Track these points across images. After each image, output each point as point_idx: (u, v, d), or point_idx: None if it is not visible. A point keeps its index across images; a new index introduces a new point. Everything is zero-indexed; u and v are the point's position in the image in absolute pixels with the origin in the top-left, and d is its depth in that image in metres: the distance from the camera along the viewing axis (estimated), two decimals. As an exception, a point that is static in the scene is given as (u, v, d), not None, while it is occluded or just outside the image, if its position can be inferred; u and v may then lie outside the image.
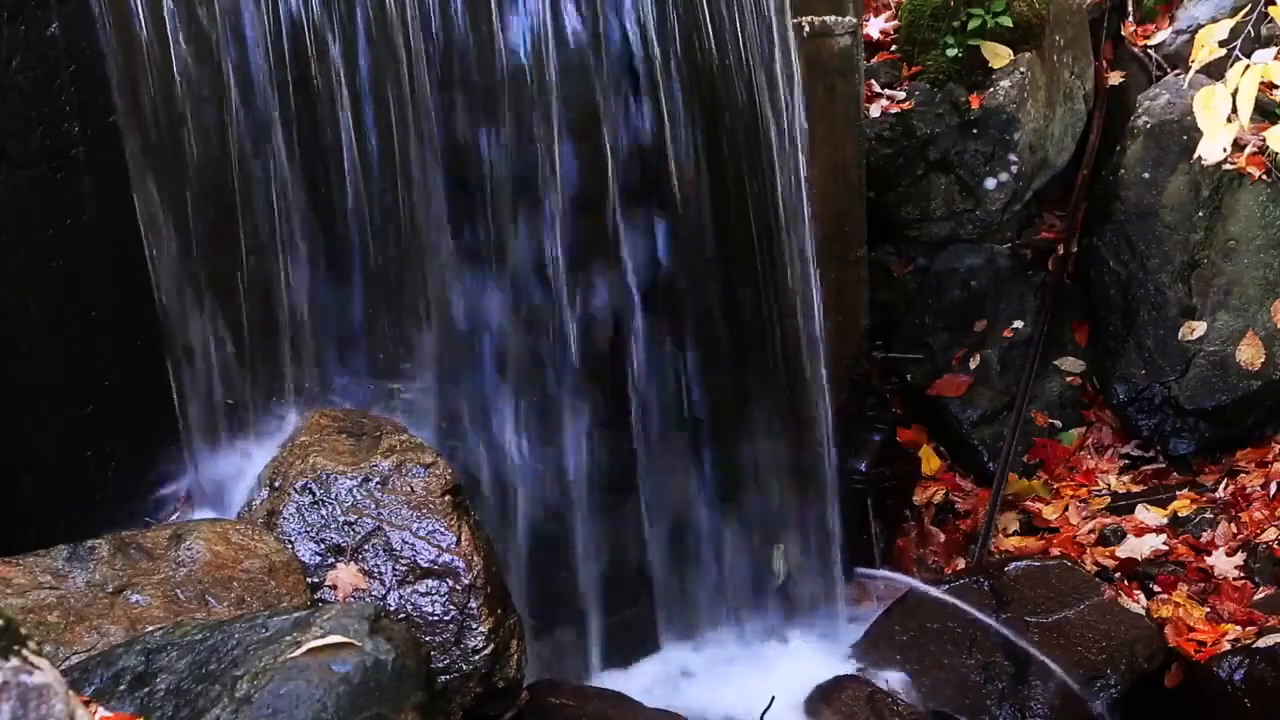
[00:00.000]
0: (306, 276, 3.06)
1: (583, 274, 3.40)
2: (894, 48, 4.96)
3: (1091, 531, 4.40)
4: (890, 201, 4.84)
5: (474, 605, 2.69)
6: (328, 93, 2.99)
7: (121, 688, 2.11)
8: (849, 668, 3.67)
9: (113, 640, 2.35)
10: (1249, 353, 4.56)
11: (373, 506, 2.76)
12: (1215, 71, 2.89)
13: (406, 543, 2.72)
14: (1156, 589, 4.13)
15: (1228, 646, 3.70)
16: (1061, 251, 4.99)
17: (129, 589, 2.49)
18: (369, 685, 1.99)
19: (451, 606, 2.68)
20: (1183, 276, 4.73)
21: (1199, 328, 4.65)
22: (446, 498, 2.78)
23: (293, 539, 2.73)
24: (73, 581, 2.49)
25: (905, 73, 4.91)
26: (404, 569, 2.70)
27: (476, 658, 2.67)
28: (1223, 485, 4.50)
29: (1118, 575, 4.20)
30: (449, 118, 3.16)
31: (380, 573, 2.70)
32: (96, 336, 2.81)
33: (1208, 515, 4.37)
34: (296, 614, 2.18)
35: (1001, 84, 4.79)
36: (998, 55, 4.79)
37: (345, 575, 2.70)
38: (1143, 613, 3.92)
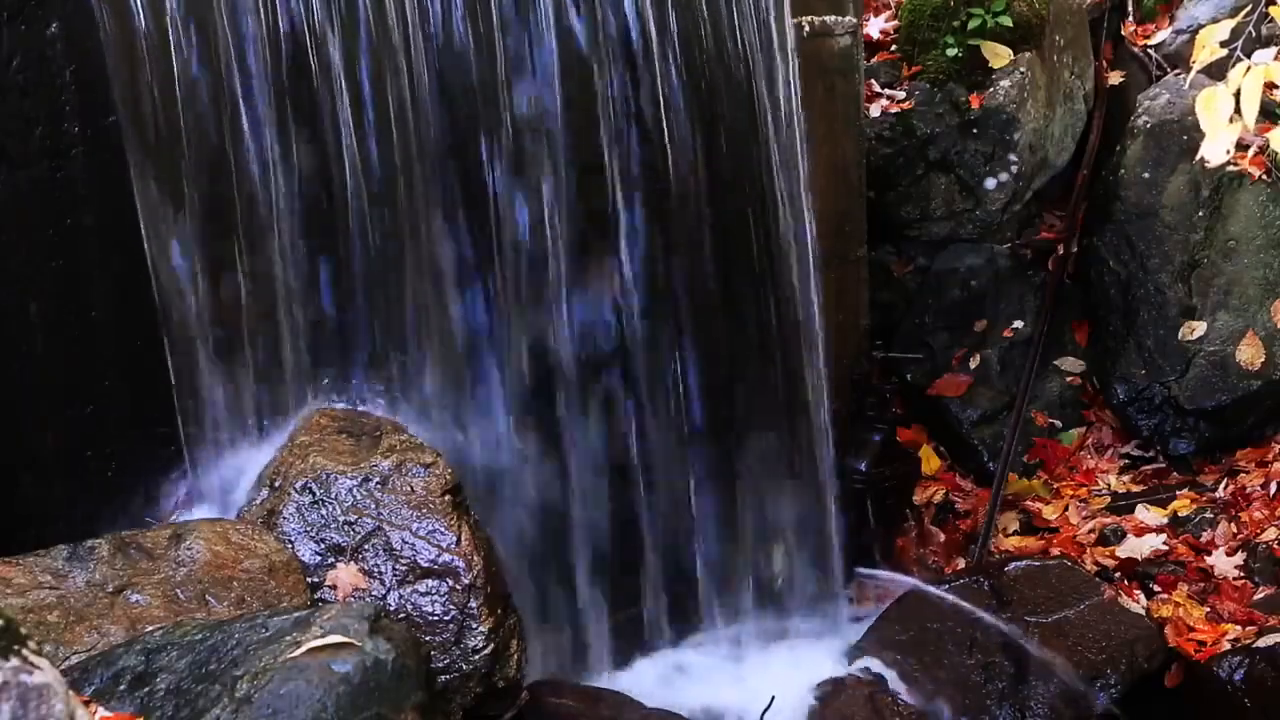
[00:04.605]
0: (307, 276, 3.06)
1: (582, 274, 3.40)
2: (894, 48, 4.96)
3: (1091, 531, 4.40)
4: (890, 201, 4.84)
5: (474, 605, 2.69)
6: (327, 92, 2.99)
7: (121, 687, 2.11)
8: (849, 668, 3.67)
9: (113, 640, 2.35)
10: (1249, 353, 4.56)
11: (373, 506, 2.76)
12: (1215, 71, 2.88)
13: (406, 542, 2.72)
14: (1156, 589, 4.13)
15: (1228, 646, 3.70)
16: (1061, 251, 4.99)
17: (129, 589, 2.49)
18: (369, 685, 2.00)
19: (451, 606, 2.68)
20: (1183, 276, 4.73)
21: (1199, 328, 4.65)
22: (446, 497, 2.79)
23: (293, 539, 2.73)
24: (73, 581, 2.49)
25: (905, 73, 4.91)
26: (404, 569, 2.70)
27: (476, 657, 2.67)
28: (1223, 485, 4.50)
29: (1118, 575, 4.20)
30: (449, 118, 3.16)
31: (380, 572, 2.70)
32: (96, 336, 2.81)
33: (1208, 515, 4.37)
34: (296, 614, 2.18)
35: (1001, 84, 4.79)
36: (998, 55, 4.79)
37: (345, 575, 2.70)
38: (1143, 613, 3.92)
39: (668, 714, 3.25)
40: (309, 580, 2.67)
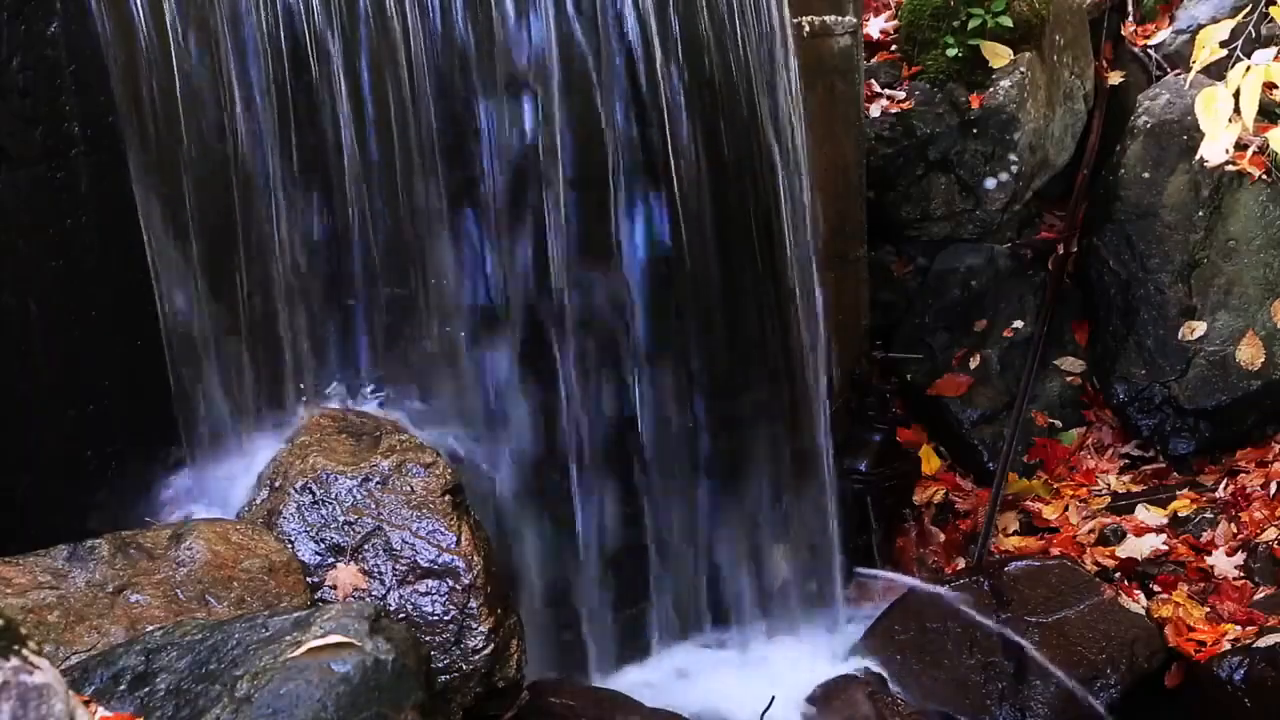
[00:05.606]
0: (306, 276, 3.06)
1: (583, 275, 3.40)
2: (894, 48, 4.96)
3: (1091, 531, 4.40)
4: (890, 201, 4.84)
5: (474, 605, 2.69)
6: (327, 92, 2.99)
7: (121, 687, 2.11)
8: (849, 668, 3.67)
9: (113, 640, 2.35)
10: (1249, 352, 4.56)
11: (373, 506, 2.76)
12: (1215, 71, 2.89)
13: (406, 543, 2.72)
14: (1156, 589, 4.13)
15: (1228, 646, 3.70)
16: (1061, 251, 4.99)
17: (129, 589, 2.49)
18: (369, 685, 2.00)
19: (451, 606, 2.68)
20: (1183, 276, 4.73)
21: (1199, 327, 4.65)
22: (446, 498, 2.79)
23: (293, 539, 2.73)
24: (73, 581, 2.49)
25: (905, 73, 4.91)
26: (404, 569, 2.70)
27: (476, 658, 2.67)
28: (1223, 485, 4.49)
29: (1118, 575, 4.20)
30: (449, 118, 3.16)
31: (380, 573, 2.70)
32: (96, 336, 2.81)
33: (1208, 515, 4.37)
34: (296, 614, 2.18)
35: (1001, 84, 4.79)
36: (998, 55, 4.79)
37: (345, 575, 2.70)
38: (1143, 613, 3.91)
39: (668, 714, 3.24)
40: (309, 580, 2.67)
